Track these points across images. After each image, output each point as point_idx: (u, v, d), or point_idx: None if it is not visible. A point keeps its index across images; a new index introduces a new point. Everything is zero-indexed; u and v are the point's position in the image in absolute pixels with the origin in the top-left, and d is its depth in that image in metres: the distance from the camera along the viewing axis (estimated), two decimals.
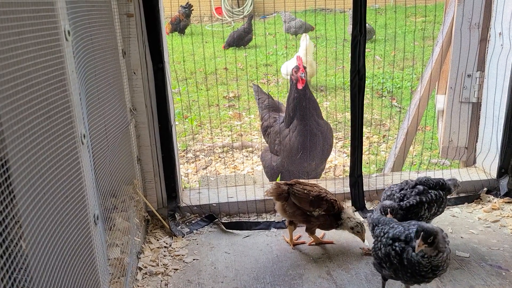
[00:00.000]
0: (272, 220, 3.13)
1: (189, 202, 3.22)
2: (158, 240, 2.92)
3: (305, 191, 2.72)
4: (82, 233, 1.73)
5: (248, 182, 4.56)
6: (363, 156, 3.31)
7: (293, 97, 3.86)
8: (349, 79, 3.05)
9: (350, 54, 3.01)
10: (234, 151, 5.87)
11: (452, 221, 3.07)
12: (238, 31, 10.79)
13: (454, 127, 3.70)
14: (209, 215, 3.16)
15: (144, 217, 2.96)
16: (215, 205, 3.23)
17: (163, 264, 2.68)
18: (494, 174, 3.43)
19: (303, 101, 3.81)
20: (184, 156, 5.61)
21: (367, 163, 5.11)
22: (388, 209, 2.50)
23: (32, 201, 1.36)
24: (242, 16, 14.00)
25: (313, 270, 2.61)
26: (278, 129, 4.01)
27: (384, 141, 5.89)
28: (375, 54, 8.63)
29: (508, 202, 3.25)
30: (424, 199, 2.56)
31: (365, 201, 3.28)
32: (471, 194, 3.38)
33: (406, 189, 2.62)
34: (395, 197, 2.60)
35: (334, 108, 6.77)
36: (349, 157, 3.27)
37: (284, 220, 2.99)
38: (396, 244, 2.09)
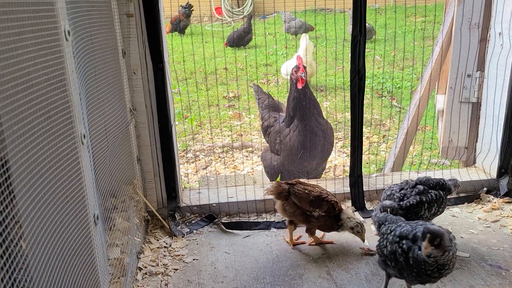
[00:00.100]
0: (272, 220, 3.13)
1: (189, 202, 3.22)
2: (158, 240, 2.92)
3: (306, 191, 2.72)
4: (82, 233, 1.73)
5: (248, 182, 4.56)
6: (363, 156, 3.31)
7: (293, 97, 3.86)
8: (349, 79, 3.05)
9: (350, 54, 3.01)
10: (234, 151, 5.87)
11: (452, 221, 3.07)
12: (238, 31, 10.79)
13: (454, 127, 3.70)
14: (209, 215, 3.16)
15: (144, 217, 2.96)
16: (215, 205, 3.23)
17: (163, 264, 2.68)
18: (494, 174, 3.43)
19: (303, 101, 3.81)
20: (184, 156, 5.61)
21: (367, 163, 5.11)
22: (388, 209, 2.50)
23: (32, 201, 1.36)
24: (242, 16, 14.00)
25: (313, 270, 2.61)
26: (279, 128, 4.01)
27: (384, 141, 5.89)
28: (375, 54, 8.63)
29: (508, 202, 3.25)
30: (424, 199, 2.56)
31: (365, 201, 3.28)
32: (471, 194, 3.38)
33: (406, 189, 2.62)
34: (395, 196, 2.60)
35: (334, 108, 6.77)
36: (349, 157, 3.27)
37: (284, 220, 2.99)
38: (404, 242, 2.06)
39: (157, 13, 2.74)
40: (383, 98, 7.48)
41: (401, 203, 2.55)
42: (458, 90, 3.60)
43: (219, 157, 5.74)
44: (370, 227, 3.01)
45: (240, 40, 10.73)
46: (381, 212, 2.55)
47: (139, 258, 2.69)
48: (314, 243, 2.86)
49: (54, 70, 1.53)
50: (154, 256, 2.73)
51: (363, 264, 2.64)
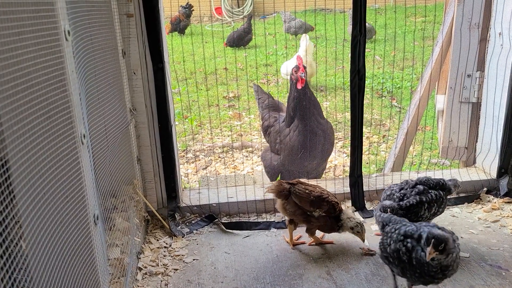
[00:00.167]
0: (272, 220, 3.13)
1: (189, 202, 3.22)
2: (158, 240, 2.92)
3: (307, 191, 2.72)
4: (82, 233, 1.73)
5: (248, 182, 4.56)
6: (363, 156, 3.31)
7: (293, 97, 3.86)
8: (349, 79, 3.05)
9: (350, 54, 3.01)
10: (234, 151, 5.87)
11: (452, 221, 3.07)
12: (238, 31, 10.79)
13: (454, 127, 3.70)
14: (209, 215, 3.16)
15: (144, 217, 2.96)
16: (215, 205, 3.23)
17: (163, 264, 2.68)
18: (494, 174, 3.43)
19: (303, 101, 3.81)
20: (184, 156, 5.61)
21: (367, 163, 5.11)
22: (388, 209, 2.50)
23: (32, 201, 1.36)
24: (242, 16, 14.00)
25: (313, 270, 2.61)
26: (279, 128, 4.01)
27: (384, 141, 5.89)
28: (375, 54, 8.63)
29: (508, 202, 3.25)
30: (424, 199, 2.56)
31: (365, 201, 3.28)
32: (471, 194, 3.38)
33: (406, 189, 2.62)
34: (395, 196, 2.60)
35: (334, 108, 6.77)
36: (349, 157, 3.27)
37: (284, 220, 2.99)
38: (408, 240, 2.05)
39: (157, 13, 2.74)
40: (383, 98, 7.48)
41: (401, 203, 2.55)
42: (458, 90, 3.60)
43: (219, 157, 5.74)
44: (370, 227, 3.02)
45: (240, 40, 10.73)
46: (381, 212, 2.55)
47: (139, 258, 2.69)
48: (314, 243, 2.86)
49: (54, 70, 1.53)
50: (154, 256, 2.73)
51: (363, 264, 2.64)
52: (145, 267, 2.63)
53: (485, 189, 3.39)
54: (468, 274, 2.50)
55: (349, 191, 3.28)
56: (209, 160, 5.59)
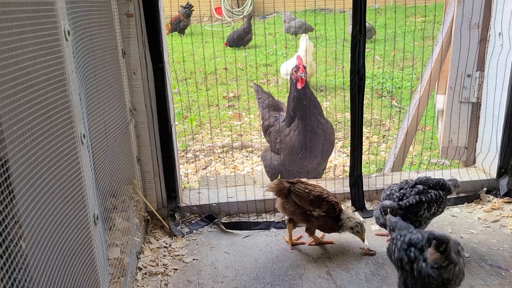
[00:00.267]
0: (272, 220, 3.13)
1: (189, 202, 3.22)
2: (158, 240, 2.92)
3: (307, 190, 2.72)
4: (82, 233, 1.73)
5: (248, 182, 4.57)
6: (363, 156, 3.31)
7: (293, 97, 3.86)
8: (349, 79, 3.05)
9: (350, 54, 3.01)
10: (234, 151, 5.87)
11: (452, 221, 3.07)
12: (238, 31, 10.79)
13: (454, 127, 3.70)
14: (209, 215, 3.16)
15: (144, 217, 2.96)
16: (215, 205, 3.23)
17: (163, 264, 2.68)
18: (494, 174, 3.43)
19: (303, 101, 3.81)
20: (184, 156, 5.61)
21: (367, 163, 5.11)
22: (388, 209, 2.50)
23: (32, 201, 1.36)
24: (241, 16, 14.00)
25: (313, 270, 2.61)
26: (279, 128, 4.01)
27: (384, 141, 5.89)
28: (375, 54, 8.64)
29: (508, 202, 3.25)
30: (423, 199, 2.56)
31: (365, 201, 3.28)
32: (471, 194, 3.38)
33: (406, 189, 2.62)
34: (394, 196, 2.60)
35: (334, 108, 6.77)
36: (349, 157, 3.27)
37: (284, 220, 2.99)
38: (412, 249, 1.99)
39: (157, 13, 2.74)
40: (383, 98, 7.48)
41: (401, 202, 2.55)
42: (458, 90, 3.61)
43: (219, 157, 5.74)
44: (370, 227, 3.02)
45: (240, 40, 10.73)
46: (381, 212, 2.55)
47: (139, 258, 2.69)
48: (314, 243, 2.86)
49: (54, 70, 1.53)
50: (154, 256, 2.73)
51: (363, 264, 2.64)
52: (145, 267, 2.63)
53: (485, 189, 3.39)
54: (468, 274, 2.50)
55: (349, 191, 3.28)
56: (209, 160, 5.59)
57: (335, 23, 9.49)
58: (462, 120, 3.67)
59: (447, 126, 3.71)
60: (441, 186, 2.67)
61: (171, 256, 2.77)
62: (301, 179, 2.87)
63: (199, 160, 5.63)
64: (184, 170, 5.30)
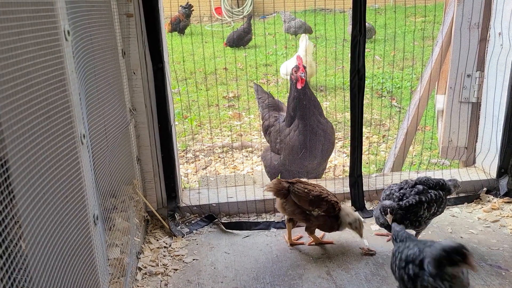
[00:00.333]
0: (272, 220, 3.13)
1: (189, 202, 3.22)
2: (157, 240, 2.92)
3: (306, 190, 2.72)
4: (82, 233, 1.73)
5: (248, 182, 4.56)
6: (362, 156, 3.31)
7: (293, 97, 3.86)
8: (348, 79, 3.05)
9: (349, 54, 3.01)
10: (234, 151, 5.87)
11: (452, 221, 3.07)
12: (238, 31, 10.79)
13: (454, 127, 3.70)
14: (209, 215, 3.16)
15: (143, 217, 2.96)
16: (214, 205, 3.23)
17: (163, 264, 2.68)
18: (493, 174, 3.43)
19: (303, 101, 3.81)
20: (183, 156, 5.60)
21: (367, 163, 5.11)
22: (388, 209, 2.50)
23: (32, 201, 1.36)
24: (241, 16, 14.00)
25: (313, 270, 2.61)
26: (279, 128, 4.01)
27: (383, 141, 5.89)
28: (374, 54, 8.63)
29: (508, 202, 3.25)
30: (423, 199, 2.56)
31: (365, 201, 3.28)
32: (471, 194, 3.38)
33: (406, 189, 2.62)
34: (394, 196, 2.60)
35: (333, 108, 6.77)
36: (349, 157, 3.27)
37: (284, 220, 2.99)
38: (410, 266, 1.92)
39: (157, 13, 2.74)
40: (383, 98, 7.48)
41: (401, 202, 2.55)
42: (458, 90, 3.61)
43: (219, 157, 5.74)
44: (370, 227, 3.02)
45: (239, 40, 10.73)
46: (381, 212, 2.55)
47: (139, 258, 2.69)
48: (313, 243, 2.86)
49: (53, 70, 1.53)
50: (153, 256, 2.73)
51: (362, 264, 2.64)
52: (145, 267, 2.63)
53: (485, 189, 3.39)
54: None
55: (349, 191, 3.28)
56: (209, 160, 5.59)
57: (335, 23, 9.49)
58: (462, 120, 3.67)
59: (447, 126, 3.71)
60: (441, 186, 2.67)
61: (171, 256, 2.76)
62: (301, 179, 2.87)
63: (199, 160, 5.63)
64: (184, 170, 5.30)
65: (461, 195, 3.37)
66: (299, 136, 3.82)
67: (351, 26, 3.04)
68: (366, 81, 3.07)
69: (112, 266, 2.21)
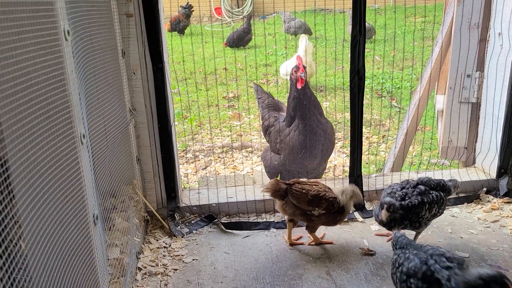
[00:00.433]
0: (272, 220, 3.13)
1: (189, 202, 3.22)
2: (157, 240, 2.92)
3: (304, 191, 2.70)
4: (82, 233, 1.73)
5: (248, 182, 4.57)
6: (362, 156, 3.31)
7: (293, 97, 3.86)
8: (348, 79, 3.05)
9: (349, 54, 3.01)
10: (234, 151, 5.87)
11: (452, 221, 3.07)
12: (238, 32, 10.79)
13: (454, 127, 3.70)
14: (209, 215, 3.16)
15: (143, 217, 2.96)
16: (214, 205, 3.23)
17: (163, 264, 2.68)
18: (493, 174, 3.43)
19: (303, 100, 3.81)
20: (183, 156, 5.60)
21: (367, 163, 5.11)
22: (385, 205, 2.49)
23: (31, 201, 1.36)
24: (241, 16, 14.00)
25: (313, 270, 2.61)
26: (279, 128, 4.01)
27: (383, 141, 5.89)
28: (374, 54, 8.64)
29: (508, 202, 3.25)
30: (425, 200, 2.55)
31: (365, 201, 3.28)
32: (471, 194, 3.38)
33: (408, 188, 2.60)
34: (397, 195, 2.57)
35: (333, 108, 6.77)
36: (349, 157, 3.27)
37: (284, 220, 2.99)
38: (411, 280, 1.87)
39: (157, 13, 2.74)
40: (383, 98, 7.48)
41: (403, 202, 2.53)
42: (458, 90, 3.61)
43: (219, 157, 5.74)
44: (370, 227, 3.02)
45: (239, 40, 10.73)
46: (380, 209, 2.55)
47: (139, 258, 2.69)
48: (313, 243, 2.86)
49: (53, 70, 1.53)
50: (153, 256, 2.73)
51: (362, 264, 2.64)
52: (145, 267, 2.63)
53: (484, 189, 3.39)
54: None
55: None
56: (208, 160, 5.59)
57: (335, 23, 9.49)
58: (462, 120, 3.67)
59: (447, 126, 3.71)
60: (441, 187, 2.66)
61: (171, 256, 2.76)
62: (299, 179, 2.85)
63: (199, 160, 5.63)
64: (184, 170, 5.30)
65: (461, 195, 3.37)
66: (299, 136, 3.82)
67: (351, 26, 3.04)
68: (366, 81, 3.07)
69: (111, 266, 2.21)
